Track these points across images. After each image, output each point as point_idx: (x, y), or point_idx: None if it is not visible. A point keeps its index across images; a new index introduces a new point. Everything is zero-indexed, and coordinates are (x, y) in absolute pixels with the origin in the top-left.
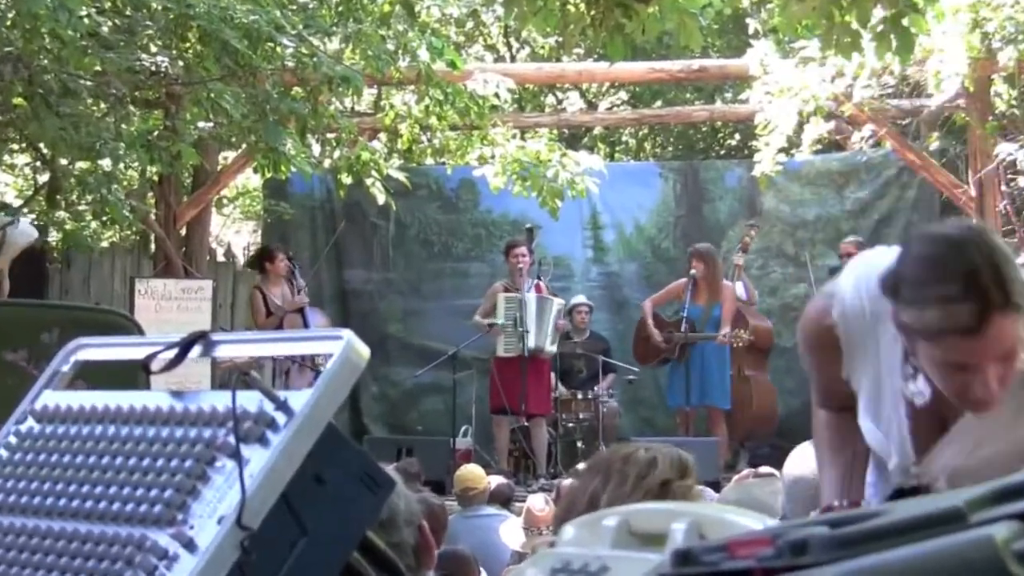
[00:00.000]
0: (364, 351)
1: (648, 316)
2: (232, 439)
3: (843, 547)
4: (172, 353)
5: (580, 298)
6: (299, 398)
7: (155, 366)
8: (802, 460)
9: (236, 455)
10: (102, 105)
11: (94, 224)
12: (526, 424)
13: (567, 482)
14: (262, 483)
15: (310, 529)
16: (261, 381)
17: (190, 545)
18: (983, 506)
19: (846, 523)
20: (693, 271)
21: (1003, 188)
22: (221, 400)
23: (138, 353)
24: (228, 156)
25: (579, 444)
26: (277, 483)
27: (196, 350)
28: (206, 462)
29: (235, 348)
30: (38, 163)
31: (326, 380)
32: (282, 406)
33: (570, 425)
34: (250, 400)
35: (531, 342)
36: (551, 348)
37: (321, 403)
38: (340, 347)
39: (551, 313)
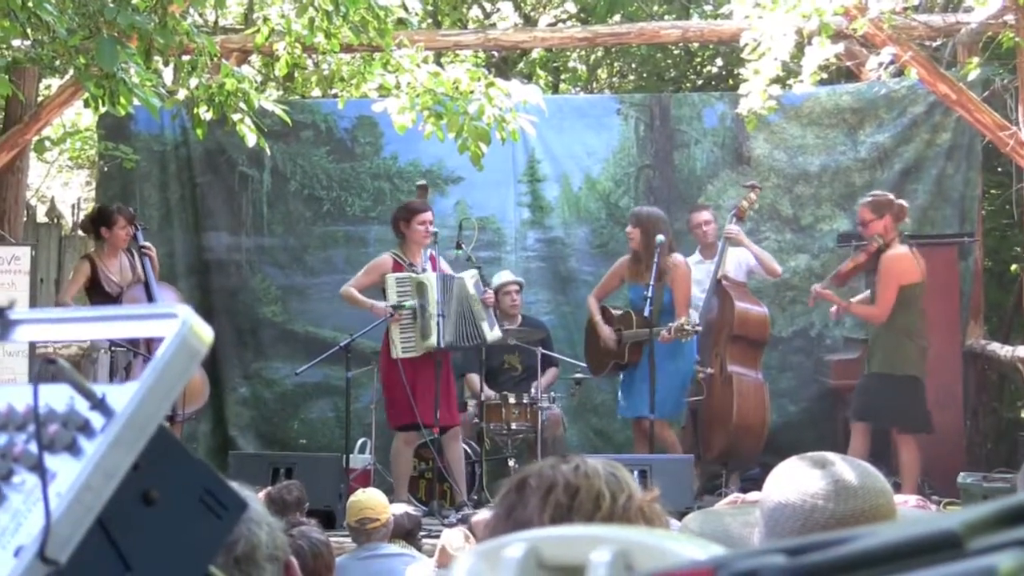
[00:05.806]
0: (206, 334)
1: (596, 313)
2: (33, 447)
3: None
4: None
5: (506, 275)
6: (121, 395)
7: None
8: (787, 480)
9: (39, 468)
10: None
11: None
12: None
13: (480, 515)
14: (72, 504)
15: (134, 564)
16: (72, 371)
17: None
18: (983, 530)
19: (809, 550)
20: (630, 241)
21: None
22: (20, 397)
23: None
24: (51, 85)
25: (511, 463)
26: (92, 505)
27: None
28: (0, 477)
29: (43, 329)
30: None
31: (155, 371)
32: (99, 405)
33: (500, 438)
34: (58, 397)
35: (436, 336)
36: (496, 334)
37: (149, 401)
38: (174, 328)
39: (469, 289)
